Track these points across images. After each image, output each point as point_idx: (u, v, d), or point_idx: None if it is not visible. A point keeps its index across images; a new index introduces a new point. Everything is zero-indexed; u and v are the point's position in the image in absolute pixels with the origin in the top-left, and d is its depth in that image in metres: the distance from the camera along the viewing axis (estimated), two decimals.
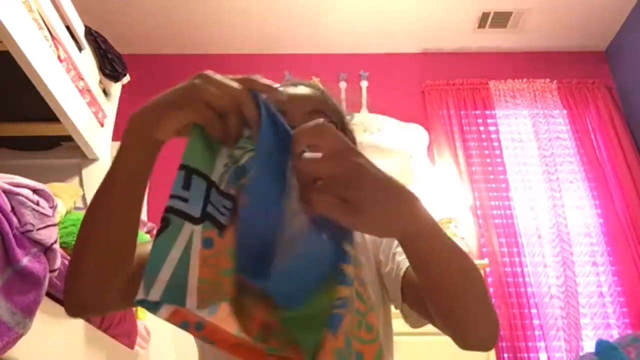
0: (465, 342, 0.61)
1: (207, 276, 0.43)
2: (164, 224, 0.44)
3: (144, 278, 0.41)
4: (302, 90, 0.84)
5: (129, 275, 0.58)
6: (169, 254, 0.43)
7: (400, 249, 0.78)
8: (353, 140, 0.90)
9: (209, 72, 0.51)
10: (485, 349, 0.61)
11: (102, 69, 2.23)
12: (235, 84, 0.50)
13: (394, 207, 0.45)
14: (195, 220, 0.44)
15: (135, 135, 0.53)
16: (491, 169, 2.98)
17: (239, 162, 0.48)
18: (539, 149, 3.01)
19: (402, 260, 0.76)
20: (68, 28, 1.98)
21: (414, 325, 0.77)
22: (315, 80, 3.31)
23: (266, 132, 0.47)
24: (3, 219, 0.84)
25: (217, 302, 0.43)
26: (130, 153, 0.54)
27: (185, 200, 0.44)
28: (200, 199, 0.45)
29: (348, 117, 0.90)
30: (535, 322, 2.58)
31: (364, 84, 3.30)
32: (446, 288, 0.56)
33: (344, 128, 0.85)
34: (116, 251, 0.57)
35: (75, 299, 0.60)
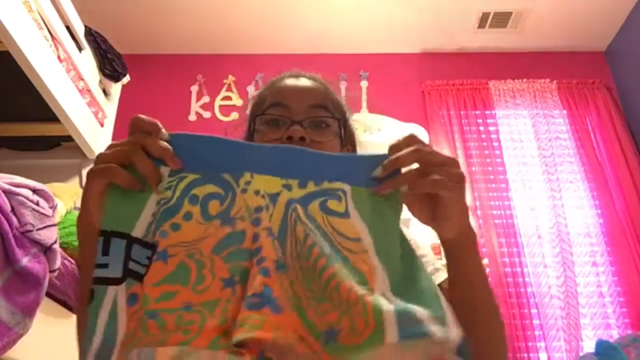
0: None
1: (132, 329, 0.43)
2: (91, 295, 0.44)
3: (79, 356, 0.42)
4: (304, 82, 0.82)
5: None
6: (98, 323, 0.43)
7: None
8: (352, 134, 0.88)
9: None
10: None
11: (102, 69, 2.23)
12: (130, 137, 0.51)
13: (463, 209, 0.56)
14: (117, 281, 0.45)
15: (82, 232, 0.54)
16: (491, 169, 2.98)
17: (170, 202, 0.48)
18: (538, 149, 3.01)
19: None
20: (68, 28, 1.98)
21: None
22: None
23: (190, 153, 0.50)
24: (3, 219, 0.84)
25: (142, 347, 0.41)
26: (86, 249, 0.54)
27: (105, 266, 0.45)
28: (120, 259, 0.46)
29: (348, 113, 0.87)
30: (535, 322, 2.57)
31: (364, 84, 3.30)
32: (476, 306, 0.60)
33: (345, 123, 0.83)
34: None
35: None
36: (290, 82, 0.82)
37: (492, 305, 0.63)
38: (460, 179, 0.54)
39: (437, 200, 0.54)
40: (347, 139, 0.85)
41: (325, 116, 0.78)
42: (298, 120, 0.74)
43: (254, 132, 0.79)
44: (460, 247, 0.59)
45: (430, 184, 0.52)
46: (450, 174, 0.53)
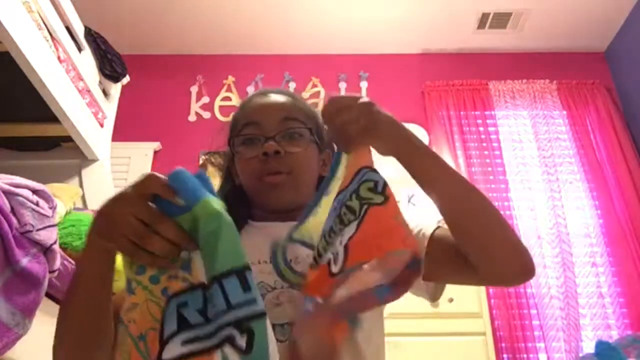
0: (494, 270, 0.65)
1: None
2: (250, 337, 0.48)
3: None
4: (272, 98, 0.85)
5: (112, 345, 0.59)
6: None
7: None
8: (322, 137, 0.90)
9: (125, 193, 0.52)
10: (517, 281, 0.70)
11: (101, 69, 2.23)
12: (133, 204, 0.51)
13: (393, 126, 0.68)
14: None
15: (95, 247, 0.56)
16: (491, 169, 2.98)
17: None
18: (538, 149, 3.01)
19: (420, 226, 0.76)
20: (68, 28, 1.98)
21: (433, 297, 0.77)
22: (315, 80, 3.31)
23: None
24: (3, 219, 0.84)
25: None
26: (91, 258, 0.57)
27: (254, 301, 0.50)
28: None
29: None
30: (535, 322, 2.57)
31: (364, 84, 3.30)
32: (461, 206, 0.65)
33: (318, 131, 0.85)
34: (94, 334, 0.60)
35: None
36: (259, 100, 0.85)
37: (477, 195, 0.67)
38: (364, 108, 0.64)
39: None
40: (325, 144, 0.87)
41: (297, 127, 0.80)
42: (271, 136, 0.78)
43: (233, 155, 0.83)
44: (408, 156, 0.67)
45: (349, 139, 0.63)
46: (354, 115, 0.63)
